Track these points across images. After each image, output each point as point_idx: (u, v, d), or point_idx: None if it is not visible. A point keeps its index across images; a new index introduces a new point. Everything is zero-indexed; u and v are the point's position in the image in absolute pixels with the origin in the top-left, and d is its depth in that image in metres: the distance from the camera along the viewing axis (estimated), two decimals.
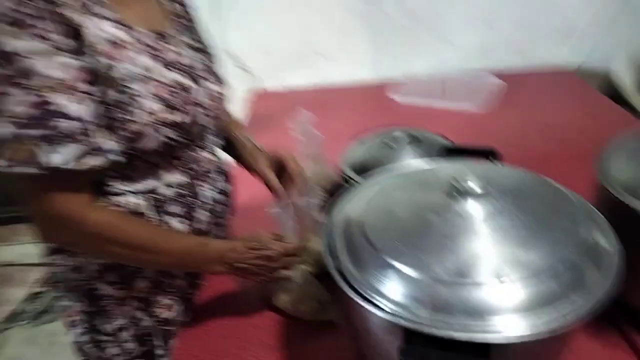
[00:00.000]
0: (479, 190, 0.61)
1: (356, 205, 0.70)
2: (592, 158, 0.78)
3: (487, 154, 0.83)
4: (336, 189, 1.14)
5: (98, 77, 0.69)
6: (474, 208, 0.61)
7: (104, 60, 0.69)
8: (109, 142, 0.71)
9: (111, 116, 0.70)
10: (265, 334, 0.87)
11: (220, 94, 0.91)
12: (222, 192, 0.96)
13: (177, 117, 0.77)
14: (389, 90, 1.89)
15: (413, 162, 0.85)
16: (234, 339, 0.86)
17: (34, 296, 2.38)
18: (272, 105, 1.97)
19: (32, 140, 0.64)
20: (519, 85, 1.89)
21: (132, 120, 0.72)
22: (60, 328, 0.95)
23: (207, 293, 0.98)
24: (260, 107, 1.98)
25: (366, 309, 0.56)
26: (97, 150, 0.69)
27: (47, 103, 0.64)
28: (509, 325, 0.51)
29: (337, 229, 0.69)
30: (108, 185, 0.78)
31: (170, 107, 0.76)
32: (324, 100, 1.95)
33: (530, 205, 0.63)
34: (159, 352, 0.91)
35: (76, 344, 0.93)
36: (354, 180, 1.00)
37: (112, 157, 0.71)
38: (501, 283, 0.53)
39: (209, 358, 0.83)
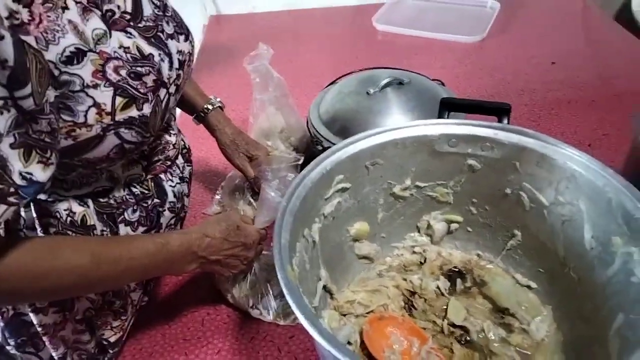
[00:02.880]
0: None
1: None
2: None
3: (499, 112, 0.63)
4: (306, 147, 0.94)
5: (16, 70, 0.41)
6: None
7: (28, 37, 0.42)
8: (36, 170, 0.44)
9: (40, 129, 0.44)
10: (217, 335, 0.71)
11: (190, 54, 0.66)
12: (186, 180, 0.75)
13: (133, 111, 0.52)
14: (370, 16, 1.63)
15: (404, 124, 0.66)
16: (180, 341, 0.71)
17: None
18: (230, 33, 1.69)
19: None
20: (517, 8, 1.65)
21: (75, 124, 0.48)
22: None
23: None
24: (215, 36, 1.69)
25: None
26: (11, 194, 0.43)
27: None
28: None
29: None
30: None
31: (127, 96, 0.51)
32: (293, 27, 1.69)
33: None
34: None
35: None
36: (325, 139, 0.80)
37: (36, 194, 0.46)
38: None
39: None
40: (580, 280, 0.60)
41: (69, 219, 0.58)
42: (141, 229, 0.66)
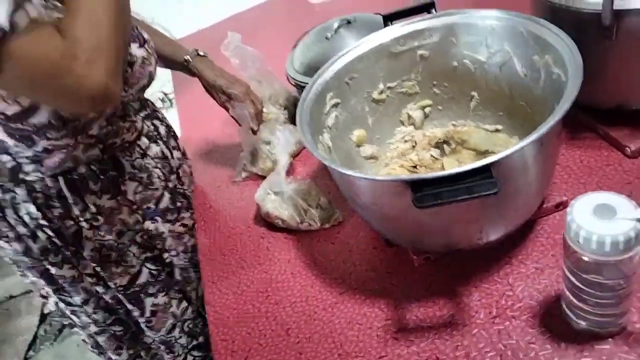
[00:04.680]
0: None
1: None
2: None
3: (426, 8, 0.82)
4: (294, 103, 1.13)
5: None
6: None
7: None
8: None
9: None
10: (283, 252, 0.89)
11: (144, 59, 0.82)
12: (150, 156, 0.91)
13: None
14: None
15: (362, 40, 0.85)
16: (256, 265, 0.89)
17: (48, 315, 2.35)
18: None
19: None
20: None
21: None
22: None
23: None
24: None
25: (367, 181, 0.58)
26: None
27: None
28: None
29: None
30: (25, 173, 0.76)
31: None
32: (244, 26, 1.87)
33: None
34: (135, 314, 0.93)
35: (56, 314, 0.96)
36: (305, 83, 0.98)
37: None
38: None
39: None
40: (527, 104, 0.80)
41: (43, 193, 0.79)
42: (105, 196, 0.84)
